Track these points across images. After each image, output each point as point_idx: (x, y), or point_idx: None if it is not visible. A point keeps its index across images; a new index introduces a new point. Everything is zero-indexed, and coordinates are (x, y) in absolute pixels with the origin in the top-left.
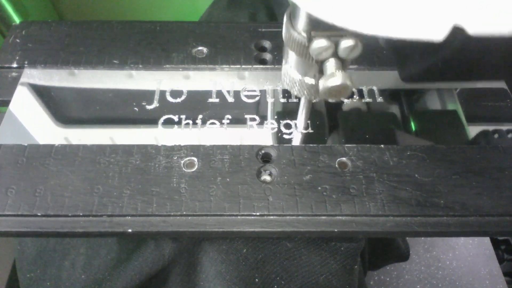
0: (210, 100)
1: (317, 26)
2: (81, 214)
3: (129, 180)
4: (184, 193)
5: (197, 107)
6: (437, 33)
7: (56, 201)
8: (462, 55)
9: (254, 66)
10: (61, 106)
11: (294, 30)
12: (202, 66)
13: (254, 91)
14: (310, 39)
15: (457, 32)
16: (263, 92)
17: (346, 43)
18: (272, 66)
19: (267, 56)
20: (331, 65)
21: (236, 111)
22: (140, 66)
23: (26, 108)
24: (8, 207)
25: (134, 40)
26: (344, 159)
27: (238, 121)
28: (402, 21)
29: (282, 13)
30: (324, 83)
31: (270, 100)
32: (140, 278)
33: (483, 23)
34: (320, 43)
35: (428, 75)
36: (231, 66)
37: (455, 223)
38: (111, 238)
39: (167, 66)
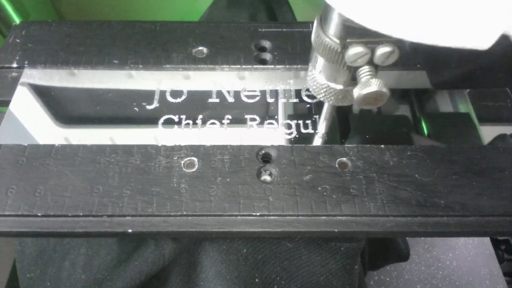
0: (210, 100)
1: (352, 33)
2: (81, 214)
3: (129, 180)
4: (184, 193)
5: (197, 107)
6: (484, 41)
7: (56, 201)
8: (501, 62)
9: (254, 66)
10: (61, 106)
11: (326, 35)
12: (202, 66)
13: (254, 91)
14: (345, 46)
15: (501, 40)
16: (263, 92)
17: (383, 50)
18: (272, 66)
19: (267, 56)
20: (365, 72)
21: (236, 111)
22: (140, 66)
23: (26, 108)
24: (8, 207)
25: (134, 40)
26: (344, 159)
27: (238, 121)
28: (448, 29)
29: (282, 13)
30: (360, 91)
31: (281, 100)
32: (140, 278)
33: None
34: (356, 50)
35: (461, 82)
36: (231, 66)
37: (455, 223)
38: (111, 238)
39: (167, 66)
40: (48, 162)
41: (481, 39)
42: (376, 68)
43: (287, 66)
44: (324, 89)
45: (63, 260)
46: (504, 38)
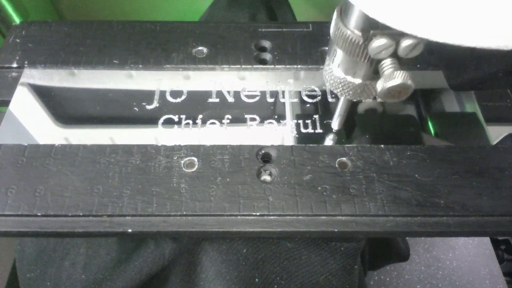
0: (210, 100)
1: (375, 24)
2: (81, 214)
3: (129, 180)
4: (184, 193)
5: (197, 107)
6: (509, 42)
7: (56, 201)
8: None
9: (254, 66)
10: (61, 106)
11: (347, 28)
12: (202, 66)
13: (254, 91)
14: (368, 38)
15: None
16: (263, 92)
17: (408, 42)
18: (272, 66)
19: (267, 56)
20: (389, 65)
21: (236, 111)
22: (140, 66)
23: (26, 108)
24: (8, 207)
25: (134, 40)
26: (344, 159)
27: (238, 121)
28: (472, 29)
29: (282, 13)
30: (384, 84)
31: (288, 100)
32: (140, 278)
33: None
34: (381, 42)
35: (480, 84)
36: (231, 66)
37: (455, 223)
38: (111, 238)
39: (167, 66)
40: (48, 162)
41: (505, 39)
42: (399, 60)
43: (287, 66)
44: (342, 83)
45: (63, 260)
46: None
